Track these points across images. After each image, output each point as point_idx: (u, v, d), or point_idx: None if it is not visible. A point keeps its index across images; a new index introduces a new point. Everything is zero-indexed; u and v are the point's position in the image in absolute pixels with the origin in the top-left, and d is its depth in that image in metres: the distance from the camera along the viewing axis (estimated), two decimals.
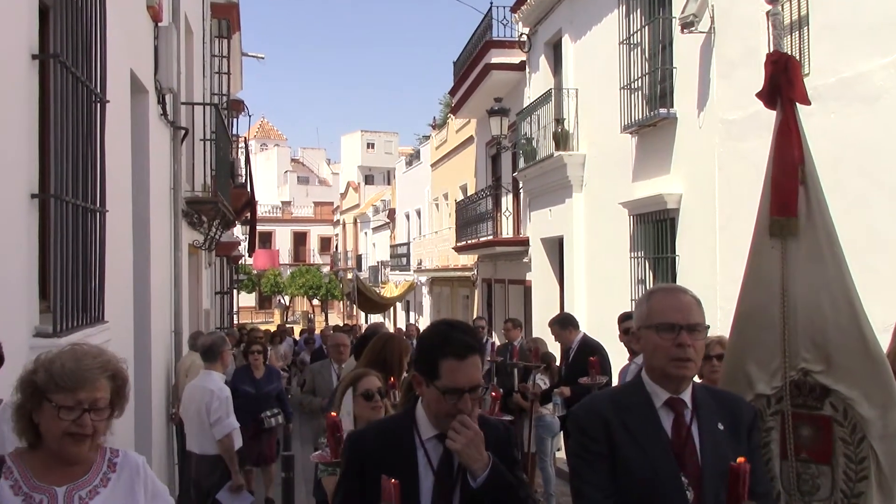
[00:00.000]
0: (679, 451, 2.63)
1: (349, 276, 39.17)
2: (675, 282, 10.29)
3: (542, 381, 8.72)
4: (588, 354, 7.56)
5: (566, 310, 13.46)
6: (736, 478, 2.41)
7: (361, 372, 4.18)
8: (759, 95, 3.59)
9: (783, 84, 3.44)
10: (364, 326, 24.80)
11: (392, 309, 34.35)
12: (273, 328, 19.13)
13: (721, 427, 2.69)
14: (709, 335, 5.72)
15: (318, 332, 21.56)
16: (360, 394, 3.98)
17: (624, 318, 7.29)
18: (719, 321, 9.33)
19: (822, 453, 3.16)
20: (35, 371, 2.48)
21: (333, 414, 3.21)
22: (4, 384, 3.45)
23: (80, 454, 2.49)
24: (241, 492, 6.74)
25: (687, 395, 2.71)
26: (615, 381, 7.69)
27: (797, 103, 3.50)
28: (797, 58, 8.10)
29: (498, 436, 2.77)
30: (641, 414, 2.67)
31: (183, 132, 9.31)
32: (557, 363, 9.13)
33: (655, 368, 2.71)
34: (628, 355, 7.03)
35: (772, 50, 3.61)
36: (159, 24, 7.97)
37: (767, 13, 3.66)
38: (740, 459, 2.44)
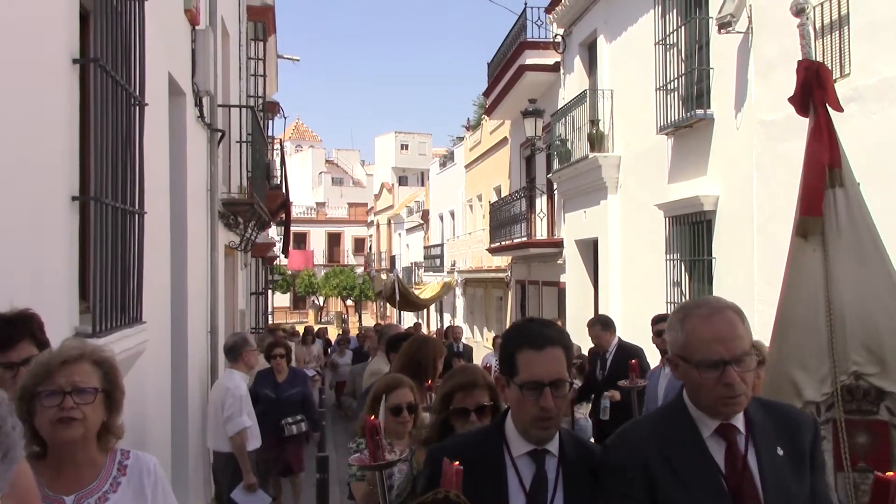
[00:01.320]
0: (735, 487, 2.30)
1: (383, 276, 39.28)
2: (711, 285, 10.19)
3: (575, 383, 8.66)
4: (626, 358, 7.38)
5: (601, 312, 13.39)
6: (885, 492, 2.03)
7: (395, 381, 4.04)
8: (791, 101, 3.57)
9: (815, 89, 3.41)
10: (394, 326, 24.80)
11: (425, 310, 34.38)
12: (302, 329, 18.89)
13: (781, 452, 2.36)
14: None
15: (353, 333, 21.46)
16: (388, 406, 3.83)
17: (657, 321, 7.13)
18: (757, 325, 9.21)
19: (880, 461, 3.00)
20: (24, 376, 2.50)
21: (372, 417, 3.13)
22: None
23: (71, 438, 2.44)
24: (255, 491, 6.77)
25: (739, 419, 2.37)
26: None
27: (830, 108, 3.46)
28: (837, 58, 7.99)
29: (592, 459, 2.50)
30: (687, 447, 2.35)
31: (220, 134, 9.38)
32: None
33: (701, 403, 2.38)
34: (660, 357, 6.96)
35: (801, 58, 3.59)
36: (196, 28, 8.04)
37: (798, 25, 3.62)
38: (889, 474, 2.06)
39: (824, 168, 3.38)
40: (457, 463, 2.22)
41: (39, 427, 2.43)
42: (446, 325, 30.79)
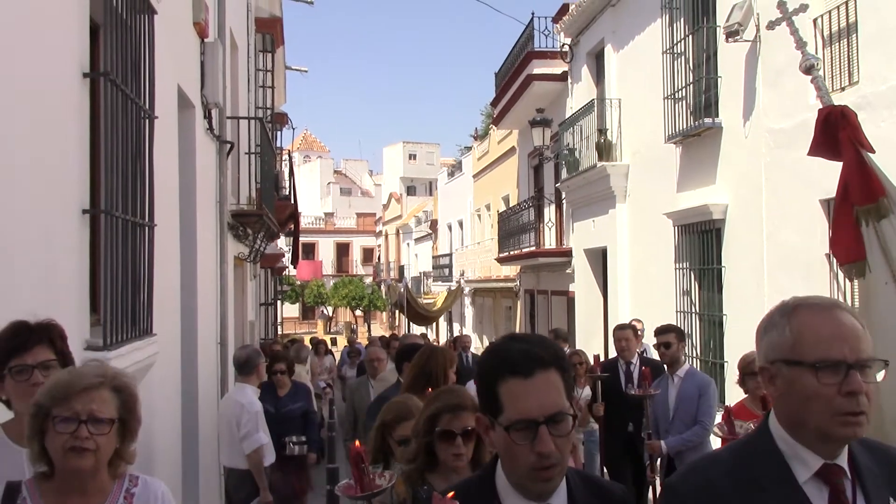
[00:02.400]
0: None
1: (394, 285, 39.23)
2: (721, 294, 10.16)
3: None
4: (652, 369, 7.12)
5: (610, 322, 13.36)
6: None
7: (404, 412, 3.69)
8: (813, 152, 3.53)
9: (841, 129, 3.35)
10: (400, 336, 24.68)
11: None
12: (308, 340, 18.52)
13: (894, 501, 1.89)
14: (753, 350, 5.60)
15: (361, 341, 21.22)
16: (396, 438, 3.58)
17: (661, 332, 6.85)
18: None
19: None
20: (40, 392, 2.43)
21: (357, 444, 2.92)
22: None
23: (81, 468, 2.37)
24: None
25: (843, 459, 1.90)
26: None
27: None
28: (846, 66, 7.98)
29: None
30: (779, 494, 1.85)
31: (228, 146, 9.42)
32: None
33: (808, 426, 1.86)
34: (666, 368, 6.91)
35: (821, 106, 3.60)
36: (205, 40, 8.08)
37: (811, 80, 3.65)
38: None
39: (852, 210, 3.33)
40: (451, 494, 1.88)
41: (50, 450, 2.37)
42: (455, 334, 30.81)
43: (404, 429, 3.54)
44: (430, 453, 3.02)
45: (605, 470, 7.63)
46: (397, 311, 35.97)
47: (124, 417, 2.47)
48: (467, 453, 3.00)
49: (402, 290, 28.63)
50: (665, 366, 6.87)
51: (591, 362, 7.66)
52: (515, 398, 1.84)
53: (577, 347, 12.50)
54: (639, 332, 9.21)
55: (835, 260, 8.18)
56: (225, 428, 6.68)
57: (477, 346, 25.33)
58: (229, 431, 6.58)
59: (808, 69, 3.72)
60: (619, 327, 8.05)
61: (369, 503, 2.78)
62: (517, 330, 22.04)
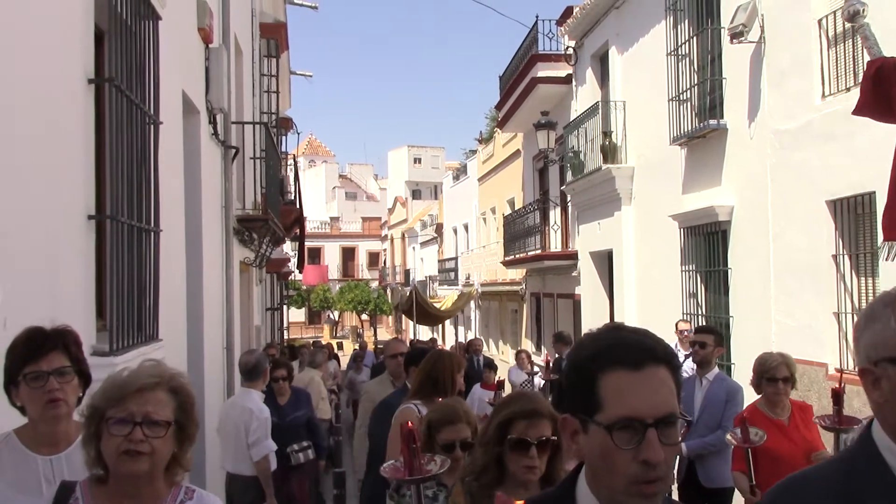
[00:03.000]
0: None
1: (399, 288, 39.16)
2: (727, 296, 10.14)
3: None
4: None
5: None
6: None
7: (448, 413, 3.52)
8: (860, 110, 3.19)
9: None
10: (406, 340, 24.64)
11: (441, 324, 34.31)
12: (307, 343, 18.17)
13: None
14: (771, 353, 5.55)
15: (370, 348, 21.05)
16: (441, 443, 3.36)
17: (700, 331, 6.66)
18: (774, 335, 9.18)
19: None
20: (95, 393, 2.36)
21: (409, 423, 2.76)
22: None
23: (135, 472, 2.25)
24: None
25: None
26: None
27: None
28: (852, 66, 7.96)
29: None
30: None
31: (233, 151, 9.44)
32: None
33: None
34: (695, 369, 6.64)
35: (870, 59, 3.24)
36: (210, 46, 8.10)
37: (854, 28, 3.30)
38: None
39: None
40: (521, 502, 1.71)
41: (105, 453, 2.26)
42: (463, 338, 30.72)
43: (449, 433, 3.39)
44: (498, 464, 2.75)
45: None
46: (403, 315, 35.80)
47: (181, 420, 2.34)
48: (541, 466, 2.74)
49: (408, 292, 28.25)
50: (694, 365, 6.69)
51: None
52: (621, 393, 1.53)
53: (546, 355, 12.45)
54: (685, 334, 9.14)
55: (843, 260, 8.17)
56: (231, 433, 6.52)
57: (484, 350, 25.27)
58: (236, 437, 6.44)
59: (852, 16, 3.39)
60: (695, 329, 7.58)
61: (418, 489, 2.63)
62: (523, 333, 22.02)
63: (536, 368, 10.90)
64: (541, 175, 20.39)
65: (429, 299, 30.61)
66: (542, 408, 2.81)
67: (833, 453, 4.89)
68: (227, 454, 6.59)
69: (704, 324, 7.06)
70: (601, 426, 1.53)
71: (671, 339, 7.28)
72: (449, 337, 33.85)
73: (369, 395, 6.29)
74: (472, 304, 29.91)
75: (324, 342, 24.82)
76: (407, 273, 47.52)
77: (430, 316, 28.25)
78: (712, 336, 6.56)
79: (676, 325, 9.74)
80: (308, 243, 28.95)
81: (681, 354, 8.10)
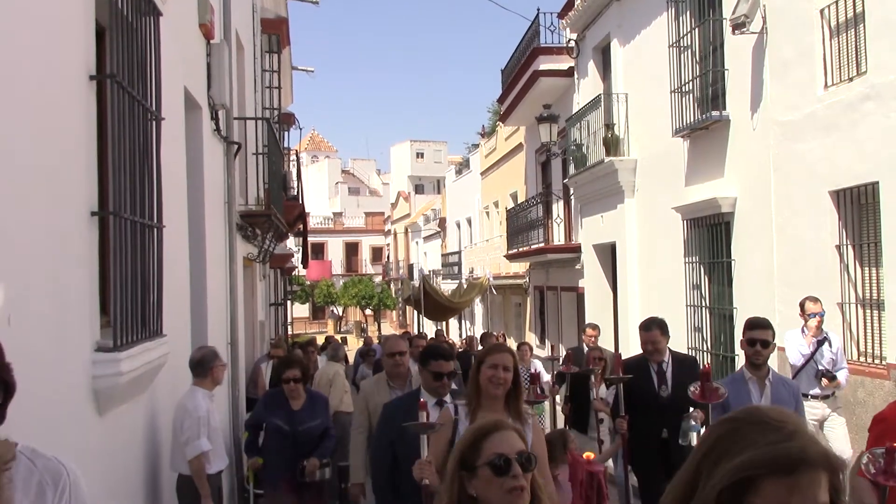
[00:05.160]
0: None
1: (406, 280, 38.99)
2: (731, 287, 10.13)
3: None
4: (687, 368, 6.31)
5: (620, 317, 13.33)
6: None
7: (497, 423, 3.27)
8: None
9: None
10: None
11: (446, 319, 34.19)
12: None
13: None
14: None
15: (375, 342, 20.73)
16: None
17: (756, 325, 5.57)
18: (778, 325, 9.15)
19: None
20: None
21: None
22: (58, 398, 3.53)
23: None
24: None
25: None
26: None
27: None
28: (853, 56, 7.94)
29: None
30: None
31: (236, 147, 9.44)
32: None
33: None
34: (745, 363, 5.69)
35: None
36: (211, 42, 8.10)
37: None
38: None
39: None
40: None
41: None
42: (467, 333, 30.67)
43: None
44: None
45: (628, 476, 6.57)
46: (408, 308, 35.55)
47: None
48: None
49: (416, 283, 27.34)
50: (749, 367, 5.61)
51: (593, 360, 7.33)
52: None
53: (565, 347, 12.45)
54: (816, 318, 7.42)
55: (847, 250, 8.16)
56: (174, 432, 6.00)
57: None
58: (176, 436, 5.96)
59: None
60: (646, 327, 6.58)
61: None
62: (527, 326, 22.03)
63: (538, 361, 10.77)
64: (543, 168, 20.38)
65: (440, 291, 29.33)
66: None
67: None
68: (172, 453, 6.03)
69: (757, 315, 5.90)
70: None
71: (789, 323, 6.76)
72: (453, 331, 33.85)
73: (365, 395, 5.86)
74: (476, 298, 29.86)
75: (334, 336, 24.55)
76: (410, 267, 47.55)
77: (440, 309, 27.02)
78: (771, 331, 5.61)
79: (802, 304, 7.61)
80: (311, 239, 28.95)
81: (805, 342, 7.32)
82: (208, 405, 5.88)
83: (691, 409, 5.70)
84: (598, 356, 7.75)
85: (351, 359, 17.74)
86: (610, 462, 7.29)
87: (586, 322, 11.85)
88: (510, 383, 3.83)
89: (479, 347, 13.55)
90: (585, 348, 9.42)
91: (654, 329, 6.43)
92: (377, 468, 4.89)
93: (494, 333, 21.35)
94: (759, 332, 5.49)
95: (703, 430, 5.51)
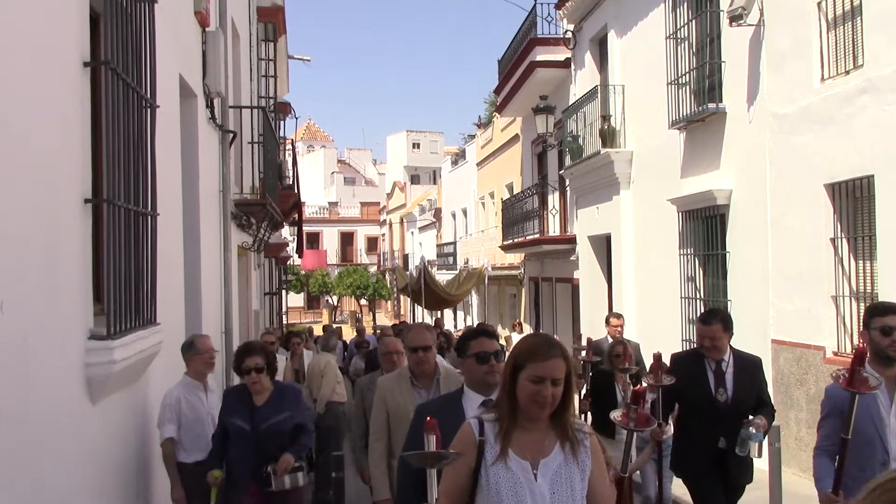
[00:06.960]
0: None
1: (402, 269, 38.82)
2: (725, 279, 10.15)
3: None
4: (750, 371, 5.47)
5: (614, 308, 13.34)
6: None
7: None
8: None
9: None
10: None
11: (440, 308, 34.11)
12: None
13: None
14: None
15: (369, 332, 20.45)
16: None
17: (887, 311, 4.18)
18: (772, 318, 9.20)
19: None
20: None
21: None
22: (51, 386, 3.52)
23: None
24: None
25: None
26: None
27: None
28: (851, 49, 7.93)
29: None
30: None
31: (231, 135, 9.41)
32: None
33: None
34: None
35: None
36: (207, 30, 8.07)
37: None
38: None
39: None
40: None
41: None
42: (463, 323, 30.66)
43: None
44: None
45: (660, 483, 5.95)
46: (404, 298, 35.35)
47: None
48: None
49: (415, 273, 26.68)
50: (874, 361, 4.14)
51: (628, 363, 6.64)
52: None
53: (581, 333, 12.46)
54: None
55: (842, 243, 8.17)
56: None
57: None
58: None
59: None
60: (704, 320, 5.51)
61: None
62: (522, 317, 22.07)
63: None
64: (539, 159, 20.37)
65: (438, 281, 28.98)
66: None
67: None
68: None
69: (885, 301, 5.14)
70: None
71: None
72: (448, 321, 33.85)
73: (383, 394, 4.83)
74: (473, 289, 29.80)
75: (328, 327, 24.25)
76: (405, 258, 47.53)
77: (438, 299, 26.63)
78: None
79: None
80: (306, 228, 28.87)
81: None
82: (182, 393, 5.66)
83: (750, 416, 5.08)
84: (619, 352, 6.92)
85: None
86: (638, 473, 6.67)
87: (611, 311, 11.45)
88: (560, 398, 2.79)
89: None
90: (609, 340, 8.51)
91: (714, 322, 5.39)
92: (407, 484, 3.50)
93: (512, 322, 21.16)
94: (890, 318, 4.13)
95: (764, 440, 5.01)
